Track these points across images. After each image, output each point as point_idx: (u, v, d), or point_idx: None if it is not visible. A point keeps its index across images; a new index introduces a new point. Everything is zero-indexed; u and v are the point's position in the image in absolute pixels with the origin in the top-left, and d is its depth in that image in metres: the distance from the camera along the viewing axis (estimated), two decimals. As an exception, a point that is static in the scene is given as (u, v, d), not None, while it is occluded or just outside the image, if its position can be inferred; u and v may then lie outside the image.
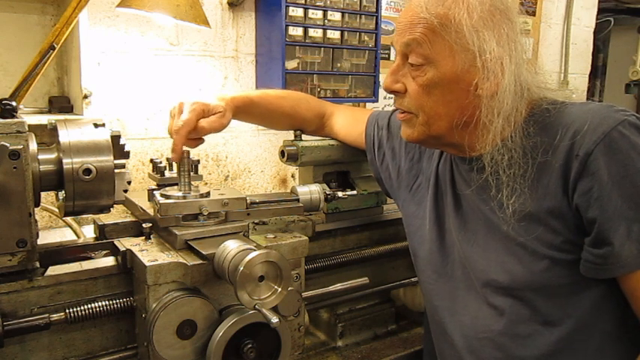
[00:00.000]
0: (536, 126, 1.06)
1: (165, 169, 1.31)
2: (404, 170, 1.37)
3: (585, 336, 1.07)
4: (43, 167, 1.01)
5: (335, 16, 1.98)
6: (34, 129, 1.06)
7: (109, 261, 1.12)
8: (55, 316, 1.02)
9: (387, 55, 2.44)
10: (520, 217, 1.05)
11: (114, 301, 1.08)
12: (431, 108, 1.09)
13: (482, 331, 1.15)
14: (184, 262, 1.03)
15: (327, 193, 1.38)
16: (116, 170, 1.04)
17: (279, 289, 1.01)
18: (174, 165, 1.23)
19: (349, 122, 1.52)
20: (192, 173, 1.20)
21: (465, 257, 1.18)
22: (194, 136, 1.21)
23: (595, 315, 1.06)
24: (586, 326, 1.06)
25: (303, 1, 1.89)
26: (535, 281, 1.06)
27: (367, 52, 2.08)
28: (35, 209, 1.00)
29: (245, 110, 1.35)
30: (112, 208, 1.10)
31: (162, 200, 1.12)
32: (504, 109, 1.03)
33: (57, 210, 1.30)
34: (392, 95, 1.18)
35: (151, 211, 1.18)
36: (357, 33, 2.04)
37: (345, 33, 2.01)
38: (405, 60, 1.10)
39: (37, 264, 1.04)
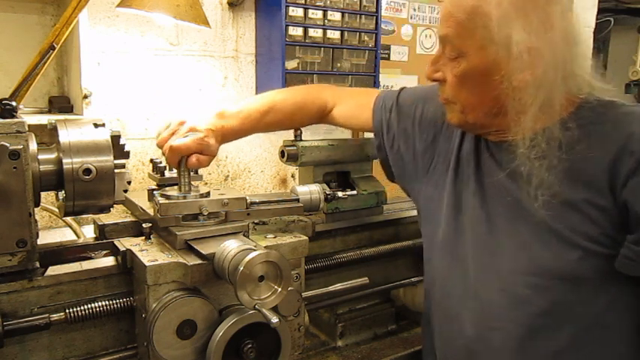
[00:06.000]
0: (580, 121, 1.04)
1: (165, 169, 1.31)
2: (419, 152, 1.34)
3: (603, 332, 1.06)
4: (43, 167, 1.01)
5: (335, 16, 1.98)
6: (34, 129, 1.06)
7: (109, 261, 1.12)
8: (55, 316, 1.02)
9: (387, 55, 2.45)
10: (555, 205, 1.04)
11: (114, 301, 1.08)
12: (465, 98, 1.11)
13: (497, 319, 1.13)
14: (184, 262, 1.03)
15: (327, 193, 1.38)
16: (116, 170, 1.04)
17: (279, 289, 1.01)
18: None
19: (353, 111, 1.48)
20: (192, 173, 1.20)
21: (484, 242, 1.16)
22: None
23: (615, 311, 1.06)
24: (605, 322, 1.06)
25: (303, 1, 1.89)
26: (563, 270, 1.05)
27: (367, 52, 2.08)
28: (35, 209, 1.00)
29: (244, 134, 1.39)
30: (112, 208, 1.10)
31: (162, 200, 1.12)
32: (536, 100, 1.02)
33: (57, 210, 1.30)
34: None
35: (151, 211, 1.18)
36: (357, 33, 2.04)
37: (345, 33, 2.01)
38: (444, 50, 1.12)
39: (37, 264, 1.04)
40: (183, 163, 1.17)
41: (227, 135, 1.32)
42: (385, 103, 1.41)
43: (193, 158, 1.19)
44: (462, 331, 1.19)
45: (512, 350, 1.11)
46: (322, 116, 1.49)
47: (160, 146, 1.24)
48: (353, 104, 1.49)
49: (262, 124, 1.39)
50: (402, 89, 1.42)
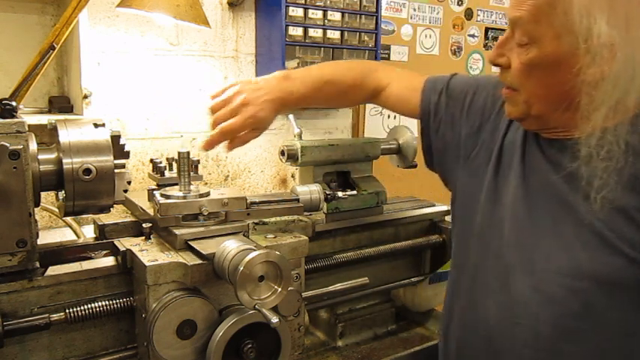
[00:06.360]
0: None
1: (165, 169, 1.31)
2: (463, 138, 1.29)
3: (635, 341, 1.03)
4: (43, 167, 1.01)
5: (335, 16, 1.98)
6: (34, 129, 1.06)
7: (109, 261, 1.12)
8: (55, 316, 1.02)
9: (387, 55, 2.45)
10: (609, 210, 0.99)
11: (114, 301, 1.08)
12: (531, 88, 1.04)
13: (525, 316, 1.09)
14: (184, 262, 1.03)
15: (327, 193, 1.38)
16: (116, 170, 1.04)
17: (279, 289, 1.01)
18: (174, 165, 1.23)
19: (404, 94, 1.43)
20: (192, 173, 1.20)
21: (521, 238, 1.12)
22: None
23: None
24: (635, 332, 1.03)
25: (303, 1, 1.89)
26: (603, 275, 1.01)
27: (367, 52, 2.08)
28: (35, 209, 1.00)
29: (306, 102, 1.39)
30: (112, 208, 1.10)
31: (162, 200, 1.12)
32: (609, 98, 0.95)
33: (57, 210, 1.30)
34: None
35: (151, 211, 1.18)
36: (357, 33, 2.04)
37: (345, 33, 2.01)
38: (513, 34, 1.05)
39: (37, 264, 1.04)
40: (184, 162, 1.16)
41: (290, 102, 1.31)
42: (435, 87, 1.36)
43: (237, 141, 1.22)
44: (485, 321, 1.16)
45: (536, 349, 1.08)
46: (374, 96, 1.45)
47: (213, 113, 1.25)
48: (404, 87, 1.43)
49: (321, 95, 1.38)
50: (453, 75, 1.38)
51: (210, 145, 1.25)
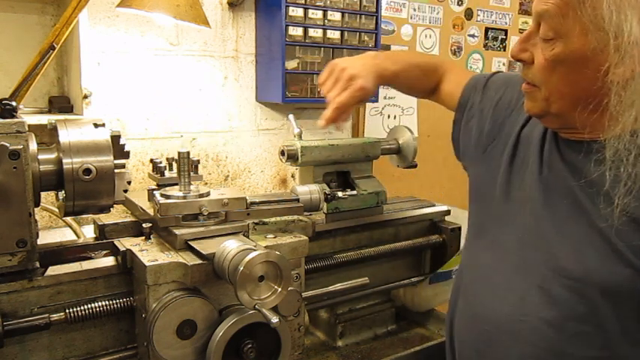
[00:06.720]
0: None
1: (165, 169, 1.31)
2: (485, 132, 1.30)
3: (636, 353, 1.02)
4: (43, 167, 1.01)
5: (335, 16, 1.98)
6: (34, 129, 1.06)
7: (109, 261, 1.12)
8: (55, 316, 1.02)
9: (387, 55, 2.45)
10: (625, 220, 0.96)
11: (114, 301, 1.08)
12: (554, 85, 1.01)
13: (527, 314, 1.07)
14: (184, 262, 1.03)
15: (327, 193, 1.38)
16: (116, 170, 1.04)
17: (279, 289, 1.01)
18: (174, 165, 1.23)
19: (452, 90, 1.45)
20: (192, 173, 1.20)
21: (530, 236, 1.11)
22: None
23: None
24: (635, 345, 1.01)
25: (303, 1, 1.89)
26: (608, 283, 0.99)
27: (367, 52, 2.07)
28: (35, 209, 1.00)
29: (392, 80, 1.46)
30: (112, 208, 1.10)
31: (162, 200, 1.12)
32: (639, 100, 0.91)
33: (57, 210, 1.30)
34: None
35: (151, 211, 1.18)
36: (357, 33, 2.04)
37: (345, 33, 2.01)
38: (537, 28, 1.01)
39: (37, 264, 1.04)
40: (184, 162, 1.16)
41: (385, 77, 1.39)
42: (476, 83, 1.38)
43: (345, 115, 1.33)
44: (486, 316, 1.15)
45: (538, 348, 1.07)
46: (435, 89, 1.49)
47: (324, 94, 1.34)
48: (454, 83, 1.45)
49: (406, 76, 1.44)
50: (495, 72, 1.40)
51: (329, 121, 1.32)
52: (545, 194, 1.10)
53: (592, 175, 1.00)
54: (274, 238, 1.19)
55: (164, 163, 1.32)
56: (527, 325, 1.08)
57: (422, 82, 1.48)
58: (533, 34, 1.03)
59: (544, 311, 1.06)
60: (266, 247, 1.09)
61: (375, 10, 2.07)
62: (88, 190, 1.02)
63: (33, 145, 1.00)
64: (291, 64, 1.90)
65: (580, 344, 1.03)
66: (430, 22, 2.60)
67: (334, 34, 1.98)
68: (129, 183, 1.09)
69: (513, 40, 2.92)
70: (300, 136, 1.53)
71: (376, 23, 2.08)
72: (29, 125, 0.97)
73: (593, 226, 1.01)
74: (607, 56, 0.92)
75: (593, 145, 1.00)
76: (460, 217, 1.78)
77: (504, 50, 2.94)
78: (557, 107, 1.03)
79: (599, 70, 0.93)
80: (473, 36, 2.80)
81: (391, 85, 1.54)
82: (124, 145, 1.08)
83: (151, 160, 1.34)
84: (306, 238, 1.22)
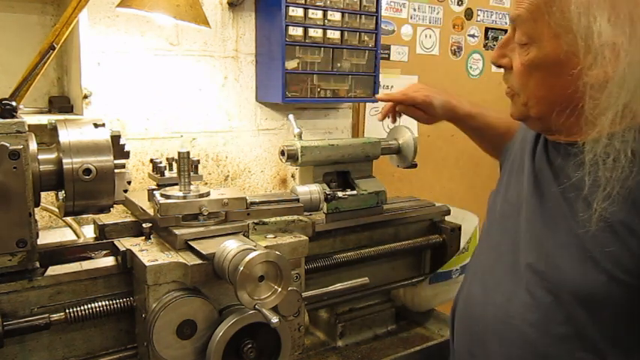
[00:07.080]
0: None
1: (165, 169, 1.31)
2: (507, 149, 1.33)
3: (622, 353, 1.00)
4: (43, 167, 1.01)
5: (335, 16, 1.98)
6: (34, 129, 1.06)
7: (109, 261, 1.12)
8: (55, 316, 1.02)
9: (387, 55, 2.45)
10: (603, 225, 0.94)
11: (114, 301, 1.08)
12: (531, 90, 1.02)
13: (513, 316, 1.08)
14: (184, 262, 1.03)
15: (327, 193, 1.38)
16: (116, 170, 1.04)
17: (279, 289, 1.01)
18: (174, 165, 1.23)
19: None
20: (192, 173, 1.20)
21: (517, 238, 1.11)
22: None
23: (636, 336, 1.00)
24: (623, 345, 1.00)
25: (303, 1, 1.89)
26: (583, 289, 0.98)
27: (367, 52, 2.08)
28: (35, 209, 1.00)
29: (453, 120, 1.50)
30: (112, 208, 1.10)
31: (162, 200, 1.12)
32: (615, 102, 0.90)
33: (57, 210, 1.30)
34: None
35: (151, 211, 1.18)
36: (357, 33, 2.04)
37: (345, 33, 2.01)
38: (514, 34, 1.02)
39: (37, 264, 1.04)
40: (184, 162, 1.16)
41: (458, 112, 1.45)
42: None
43: (414, 111, 1.43)
44: (478, 317, 1.16)
45: (523, 349, 1.07)
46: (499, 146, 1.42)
47: (386, 100, 1.49)
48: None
49: (476, 120, 1.47)
50: None
51: (383, 114, 1.51)
52: (535, 197, 1.11)
53: (572, 180, 0.99)
54: (274, 238, 1.19)
55: (164, 163, 1.32)
56: (512, 327, 1.08)
57: (489, 131, 1.45)
58: (511, 40, 1.03)
59: (528, 314, 1.06)
60: (266, 247, 1.09)
61: (375, 10, 2.06)
62: (88, 190, 1.02)
63: (33, 145, 1.00)
64: (291, 64, 1.90)
65: (564, 347, 1.03)
66: (430, 22, 2.60)
67: (334, 34, 1.98)
68: (129, 183, 1.09)
69: (513, 40, 2.92)
70: (300, 136, 1.53)
71: (376, 23, 2.08)
72: (29, 125, 0.97)
73: (570, 231, 1.00)
74: (579, 59, 0.92)
75: (571, 148, 1.00)
76: (460, 217, 1.79)
77: (504, 50, 2.94)
78: (535, 111, 1.04)
79: (573, 74, 0.93)
80: (473, 36, 2.80)
81: (462, 123, 1.50)
82: (124, 145, 1.08)
83: (151, 160, 1.34)
84: (306, 238, 1.22)
